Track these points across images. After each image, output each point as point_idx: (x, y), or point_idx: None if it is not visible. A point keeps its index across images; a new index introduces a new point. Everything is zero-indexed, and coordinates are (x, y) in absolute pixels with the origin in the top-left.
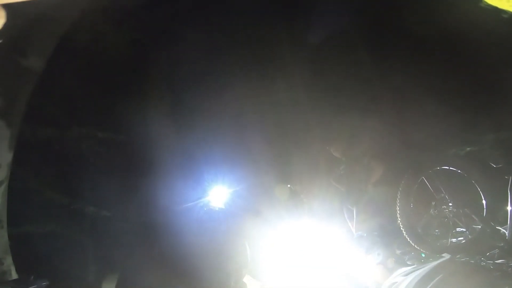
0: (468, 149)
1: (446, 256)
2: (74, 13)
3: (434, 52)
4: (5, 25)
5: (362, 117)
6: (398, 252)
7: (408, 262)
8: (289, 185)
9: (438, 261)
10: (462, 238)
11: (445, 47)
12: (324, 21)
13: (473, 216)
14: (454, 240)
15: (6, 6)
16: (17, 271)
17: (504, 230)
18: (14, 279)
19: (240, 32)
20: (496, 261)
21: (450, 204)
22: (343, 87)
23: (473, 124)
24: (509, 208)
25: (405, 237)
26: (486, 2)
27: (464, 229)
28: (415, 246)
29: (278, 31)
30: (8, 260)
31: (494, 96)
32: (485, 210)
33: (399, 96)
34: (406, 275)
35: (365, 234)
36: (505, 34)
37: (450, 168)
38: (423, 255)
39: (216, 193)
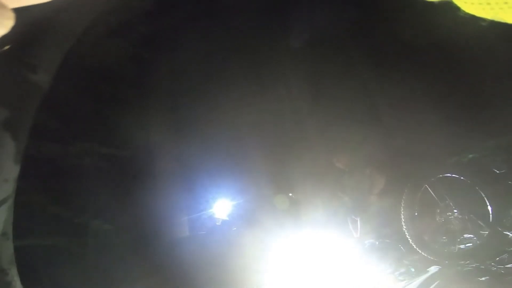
0: (470, 156)
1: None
2: (79, 27)
3: (431, 62)
4: (14, 30)
5: (364, 127)
6: (405, 262)
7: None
8: (290, 194)
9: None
10: (470, 244)
11: (439, 57)
12: (325, 31)
13: (480, 222)
14: (462, 246)
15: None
16: (22, 282)
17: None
18: None
19: (239, 43)
20: (507, 266)
21: (455, 211)
22: (344, 97)
23: (474, 131)
24: None
25: (412, 245)
26: (464, 11)
27: (471, 235)
28: (422, 253)
29: (278, 41)
30: (13, 271)
31: (492, 103)
32: (491, 215)
33: (400, 106)
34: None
35: (376, 242)
36: (491, 41)
37: (453, 175)
38: (412, 270)
39: (218, 204)
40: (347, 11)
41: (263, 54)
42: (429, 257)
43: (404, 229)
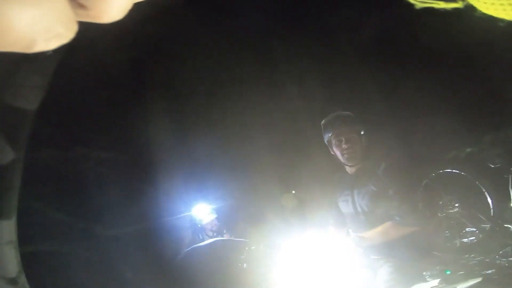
0: (468, 150)
1: (478, 279)
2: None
3: (433, 61)
4: None
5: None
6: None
7: (428, 279)
8: (293, 192)
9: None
10: (473, 237)
11: (445, 56)
12: (333, 32)
13: (481, 216)
14: (465, 240)
15: None
16: None
17: None
18: None
19: (243, 43)
20: (510, 259)
21: (457, 205)
22: (345, 96)
23: (471, 125)
24: None
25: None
26: (481, 11)
27: (474, 229)
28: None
29: (284, 40)
30: (23, 280)
31: (491, 98)
32: (492, 209)
33: (399, 103)
34: None
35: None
36: (502, 41)
37: (454, 170)
38: (448, 272)
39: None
40: (364, 13)
41: (272, 53)
42: (433, 252)
43: None
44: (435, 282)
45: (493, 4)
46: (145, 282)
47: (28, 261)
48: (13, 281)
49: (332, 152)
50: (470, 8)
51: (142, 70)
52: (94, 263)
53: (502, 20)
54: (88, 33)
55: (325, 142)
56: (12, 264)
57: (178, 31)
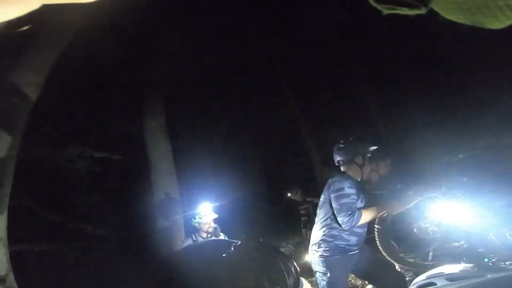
0: (460, 156)
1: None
2: (70, 32)
3: (426, 71)
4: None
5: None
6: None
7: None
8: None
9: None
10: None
11: (432, 66)
12: (324, 33)
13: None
14: (453, 247)
15: None
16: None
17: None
18: None
19: (237, 46)
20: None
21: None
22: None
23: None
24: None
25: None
26: (443, 17)
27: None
28: (396, 264)
29: (275, 42)
30: (11, 277)
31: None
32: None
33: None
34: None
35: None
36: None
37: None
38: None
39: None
40: (343, 15)
41: (263, 54)
42: (404, 267)
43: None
44: (469, 266)
45: (453, 9)
46: (132, 282)
47: (16, 260)
48: (1, 280)
49: (369, 169)
50: (434, 14)
51: (137, 70)
52: (82, 263)
53: (463, 25)
54: (82, 33)
55: (371, 160)
56: (2, 262)
57: (174, 33)
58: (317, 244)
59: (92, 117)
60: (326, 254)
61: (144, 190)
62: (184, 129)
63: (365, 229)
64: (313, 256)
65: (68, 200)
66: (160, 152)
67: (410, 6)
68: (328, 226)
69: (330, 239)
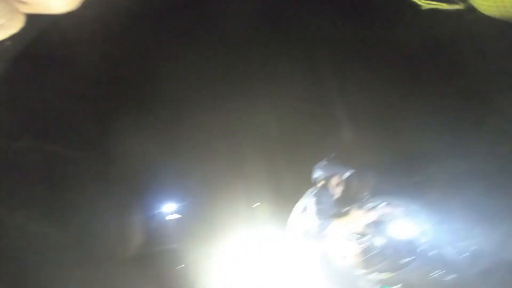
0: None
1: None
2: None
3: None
4: None
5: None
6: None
7: None
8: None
9: None
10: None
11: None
12: (320, 33)
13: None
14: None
15: None
16: None
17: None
18: None
19: (231, 44)
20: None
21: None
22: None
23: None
24: None
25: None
26: (481, 12)
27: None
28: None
29: (270, 37)
30: None
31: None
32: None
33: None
34: None
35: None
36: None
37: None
38: None
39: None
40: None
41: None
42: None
43: None
44: None
45: (490, 6)
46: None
47: None
48: None
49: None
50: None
51: (120, 67)
52: (27, 263)
53: (500, 20)
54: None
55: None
56: None
57: (160, 28)
58: None
59: (55, 109)
60: None
61: (105, 190)
62: (157, 125)
63: None
64: None
65: (15, 195)
66: (127, 149)
67: (449, 1)
68: None
69: None
